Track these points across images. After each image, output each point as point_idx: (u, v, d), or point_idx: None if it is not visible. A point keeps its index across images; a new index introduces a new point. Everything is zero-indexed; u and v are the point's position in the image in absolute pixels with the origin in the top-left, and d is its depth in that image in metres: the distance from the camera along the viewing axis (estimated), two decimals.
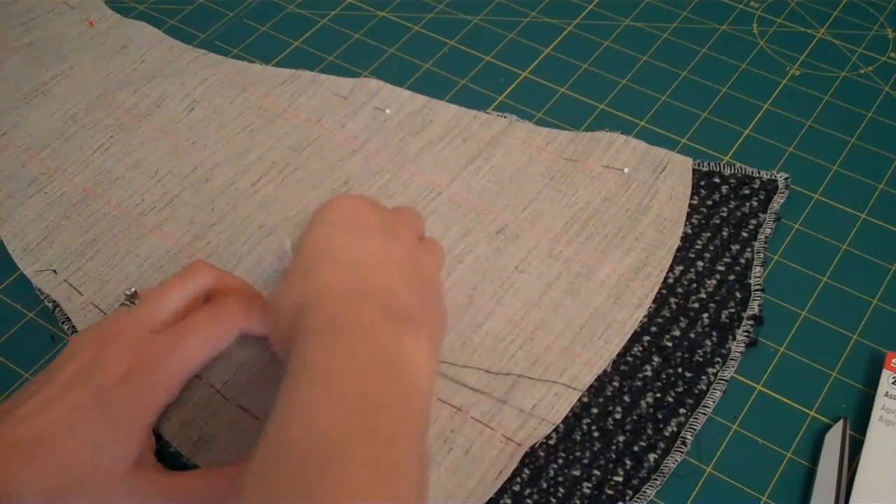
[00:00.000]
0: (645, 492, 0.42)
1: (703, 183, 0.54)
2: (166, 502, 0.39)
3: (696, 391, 0.46)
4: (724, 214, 0.52)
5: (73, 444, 0.38)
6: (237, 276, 0.48)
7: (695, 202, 0.53)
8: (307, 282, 0.40)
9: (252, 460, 0.33)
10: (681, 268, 0.50)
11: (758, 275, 0.50)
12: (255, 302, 0.45)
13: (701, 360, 0.47)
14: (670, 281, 0.50)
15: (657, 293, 0.49)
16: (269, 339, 0.43)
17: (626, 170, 0.54)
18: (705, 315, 0.48)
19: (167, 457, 0.44)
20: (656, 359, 0.47)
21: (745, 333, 0.48)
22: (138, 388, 0.39)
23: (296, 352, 0.36)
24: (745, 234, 0.51)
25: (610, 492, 0.42)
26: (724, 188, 0.53)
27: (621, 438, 0.44)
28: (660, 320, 0.48)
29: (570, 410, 0.45)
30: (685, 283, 0.49)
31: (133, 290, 0.45)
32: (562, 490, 0.42)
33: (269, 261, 0.51)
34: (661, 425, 0.44)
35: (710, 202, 0.53)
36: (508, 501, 0.42)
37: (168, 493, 0.39)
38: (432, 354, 0.38)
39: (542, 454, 0.44)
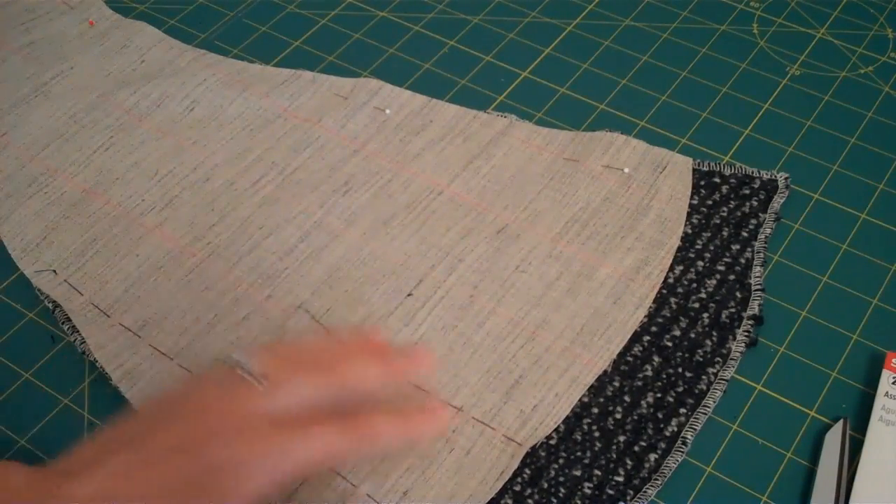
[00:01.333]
0: (646, 492, 0.42)
1: (703, 183, 0.54)
2: None
3: (697, 391, 0.46)
4: (725, 214, 0.52)
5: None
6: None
7: (695, 202, 0.53)
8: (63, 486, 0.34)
9: None
10: (681, 268, 0.50)
11: (758, 275, 0.50)
12: (382, 420, 0.40)
13: (701, 359, 0.47)
14: (670, 281, 0.50)
15: (657, 293, 0.49)
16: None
17: (626, 170, 0.54)
18: (705, 315, 0.48)
19: None
20: (657, 359, 0.47)
21: (746, 333, 0.48)
22: (246, 480, 0.35)
23: None
24: (745, 234, 0.51)
25: (611, 492, 0.42)
26: (725, 188, 0.53)
27: (622, 438, 0.44)
28: (660, 320, 0.48)
29: (571, 410, 0.45)
30: (685, 282, 0.50)
31: (240, 360, 0.37)
32: (563, 490, 0.42)
33: (269, 262, 0.51)
34: (662, 425, 0.44)
35: (710, 202, 0.53)
36: (509, 501, 0.42)
37: None
38: None
39: (542, 454, 0.44)
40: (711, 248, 0.51)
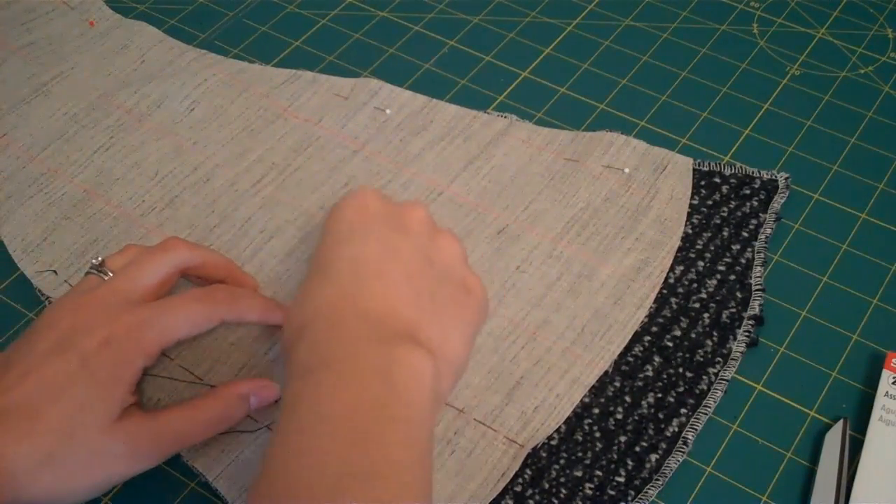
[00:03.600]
0: (647, 492, 0.42)
1: (703, 183, 0.54)
2: (156, 440, 0.41)
3: (697, 391, 0.46)
4: (725, 214, 0.52)
5: (60, 408, 0.38)
6: (215, 251, 0.48)
7: (695, 202, 0.53)
8: (308, 303, 0.41)
9: (255, 494, 0.35)
10: (681, 268, 0.50)
11: (758, 275, 0.50)
12: (242, 293, 0.46)
13: (702, 360, 0.47)
14: (671, 281, 0.50)
15: (658, 293, 0.49)
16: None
17: (626, 170, 0.54)
18: (706, 315, 0.48)
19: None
20: (657, 359, 0.47)
21: (746, 333, 0.48)
22: (119, 352, 0.40)
23: (287, 391, 0.38)
24: (745, 234, 0.51)
25: (612, 492, 0.43)
26: (725, 188, 0.53)
27: (623, 439, 0.44)
28: (660, 320, 0.48)
29: (572, 411, 0.45)
30: (686, 283, 0.50)
31: (100, 259, 0.45)
32: (564, 491, 0.43)
33: (271, 265, 0.51)
34: (663, 425, 0.44)
35: (710, 202, 0.53)
36: (510, 502, 0.42)
37: (156, 432, 0.41)
38: (433, 376, 0.38)
39: (543, 455, 0.44)
40: (712, 248, 0.51)
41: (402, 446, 0.35)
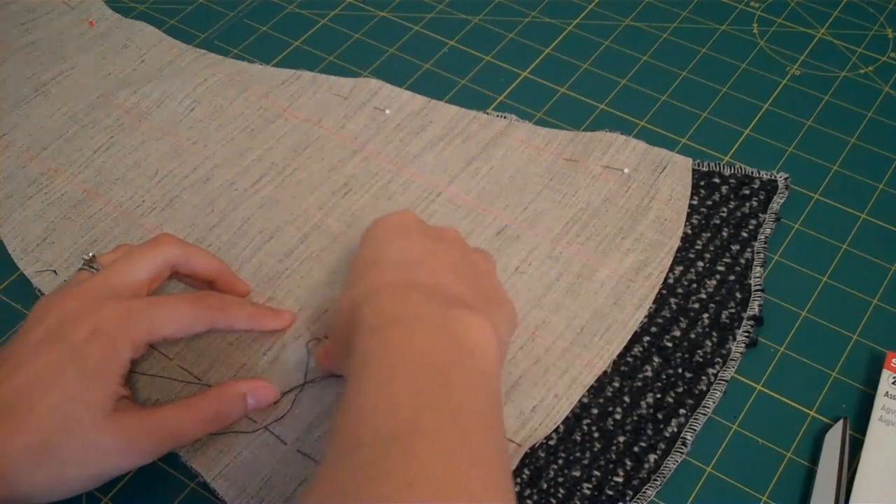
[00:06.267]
0: (645, 492, 0.42)
1: (703, 183, 0.54)
2: (150, 436, 0.41)
3: (697, 391, 0.46)
4: (724, 214, 0.52)
5: (51, 399, 0.39)
6: (208, 252, 0.48)
7: (695, 202, 0.53)
8: (359, 285, 0.41)
9: (328, 444, 0.35)
10: (681, 268, 0.50)
11: (758, 275, 0.50)
12: (233, 301, 0.46)
13: (701, 360, 0.47)
14: (670, 281, 0.50)
15: (657, 293, 0.49)
16: (320, 361, 0.46)
17: (625, 170, 0.54)
18: (705, 315, 0.48)
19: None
20: (656, 359, 0.47)
21: (746, 334, 0.48)
22: (108, 343, 0.40)
23: (355, 351, 0.38)
24: (745, 235, 0.51)
25: (610, 492, 0.42)
26: (724, 188, 0.53)
27: (621, 439, 0.44)
28: (660, 321, 0.48)
29: (571, 411, 0.45)
30: (685, 283, 0.50)
31: (91, 254, 0.45)
32: (562, 491, 0.43)
33: (270, 264, 0.51)
34: (662, 426, 0.44)
35: (710, 202, 0.53)
36: None
37: (151, 427, 0.41)
38: (493, 337, 0.38)
39: (542, 455, 0.44)
40: (711, 248, 0.51)
41: (477, 389, 0.35)
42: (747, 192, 0.53)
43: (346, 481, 0.31)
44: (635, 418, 0.45)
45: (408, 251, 0.42)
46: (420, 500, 0.30)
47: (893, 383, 0.45)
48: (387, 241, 0.43)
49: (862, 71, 0.61)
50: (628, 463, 0.43)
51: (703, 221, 0.52)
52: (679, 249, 0.51)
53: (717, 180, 0.54)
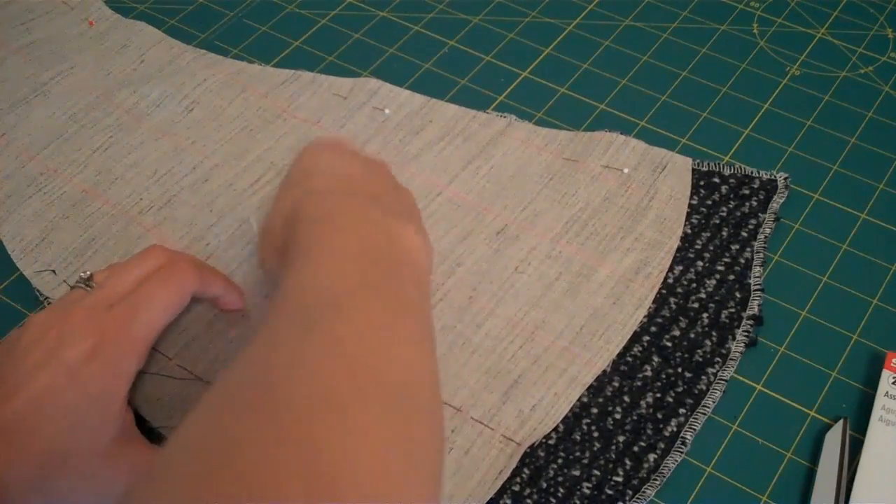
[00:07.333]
0: (645, 492, 0.42)
1: (702, 183, 0.54)
2: None
3: (696, 391, 0.46)
4: (724, 214, 0.52)
5: (51, 425, 0.38)
6: (197, 258, 0.48)
7: (694, 202, 0.53)
8: (299, 188, 0.43)
9: (270, 311, 0.35)
10: (680, 268, 0.50)
11: (757, 275, 0.50)
12: (203, 264, 0.47)
13: (701, 360, 0.47)
14: (670, 281, 0.50)
15: (657, 293, 0.49)
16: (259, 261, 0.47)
17: (625, 170, 0.54)
18: (705, 315, 0.48)
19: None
20: (656, 359, 0.47)
21: (745, 333, 0.48)
22: (107, 361, 0.39)
23: (296, 241, 0.38)
24: (744, 234, 0.51)
25: (610, 492, 0.42)
26: (724, 188, 0.53)
27: (621, 438, 0.44)
28: (659, 320, 0.48)
29: (570, 410, 0.45)
30: (685, 283, 0.49)
31: (88, 273, 0.44)
32: (562, 490, 0.42)
33: None
34: (661, 425, 0.44)
35: (709, 202, 0.53)
36: (508, 501, 0.42)
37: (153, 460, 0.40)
38: (426, 249, 0.41)
39: (541, 454, 0.44)
40: (711, 248, 0.51)
41: (411, 284, 0.37)
42: (747, 191, 0.53)
43: (286, 337, 0.32)
44: (635, 418, 0.45)
45: (347, 167, 0.44)
46: (346, 356, 0.31)
47: (893, 383, 0.45)
48: (324, 155, 0.45)
49: (862, 71, 0.61)
50: (628, 462, 0.43)
51: (703, 221, 0.52)
52: (679, 249, 0.51)
53: (716, 180, 0.54)
